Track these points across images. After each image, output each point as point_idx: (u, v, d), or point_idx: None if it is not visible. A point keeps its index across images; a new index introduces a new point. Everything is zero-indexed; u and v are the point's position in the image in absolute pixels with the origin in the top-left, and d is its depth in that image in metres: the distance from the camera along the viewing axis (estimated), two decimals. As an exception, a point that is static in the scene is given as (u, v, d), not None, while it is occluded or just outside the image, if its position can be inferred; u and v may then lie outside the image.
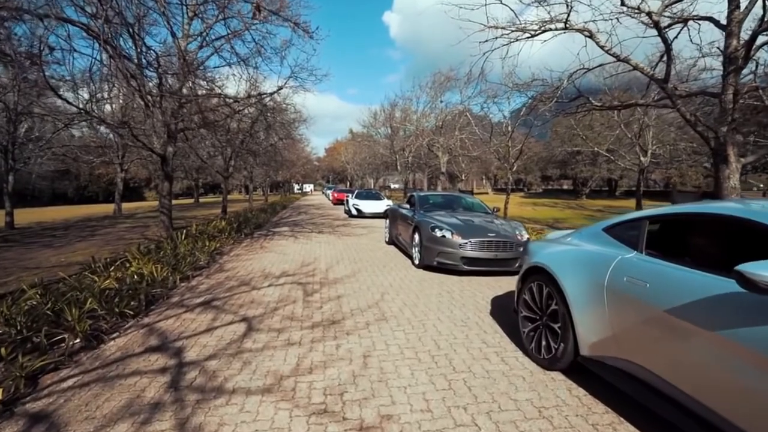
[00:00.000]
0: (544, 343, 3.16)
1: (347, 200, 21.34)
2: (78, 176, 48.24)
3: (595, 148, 26.01)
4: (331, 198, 36.52)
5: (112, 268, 6.54)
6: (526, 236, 6.84)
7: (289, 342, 3.80)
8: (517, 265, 6.57)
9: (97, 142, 23.83)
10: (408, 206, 8.73)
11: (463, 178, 51.95)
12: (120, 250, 9.45)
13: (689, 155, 29.07)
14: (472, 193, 49.84)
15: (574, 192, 53.16)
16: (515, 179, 69.71)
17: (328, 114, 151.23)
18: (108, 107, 21.55)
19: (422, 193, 9.35)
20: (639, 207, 23.85)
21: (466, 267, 6.37)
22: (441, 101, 27.52)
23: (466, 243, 6.36)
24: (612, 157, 25.95)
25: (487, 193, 58.87)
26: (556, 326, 3.01)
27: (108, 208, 27.38)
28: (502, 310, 4.81)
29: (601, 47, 9.52)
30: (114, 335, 4.20)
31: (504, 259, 6.44)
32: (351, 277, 6.56)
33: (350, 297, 5.34)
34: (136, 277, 6.25)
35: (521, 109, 18.86)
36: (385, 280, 6.33)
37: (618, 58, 9.32)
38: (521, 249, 6.58)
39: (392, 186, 70.88)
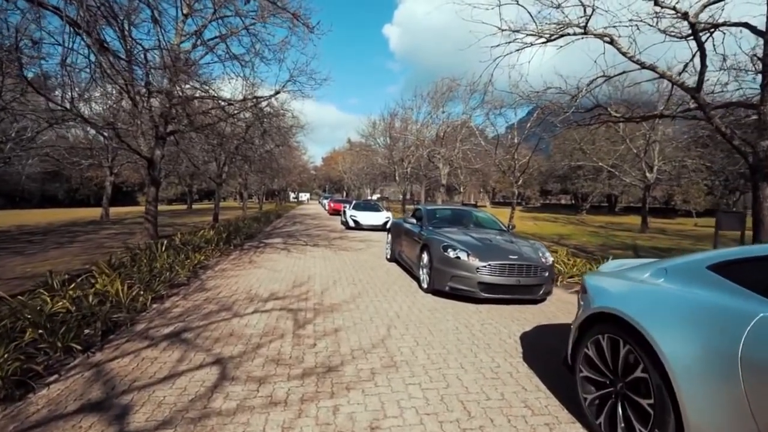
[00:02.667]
0: (621, 421, 2.29)
1: (344, 211, 20.46)
2: (69, 179, 47.23)
3: (600, 163, 25.39)
4: (327, 208, 35.62)
5: (73, 285, 5.62)
6: (550, 259, 5.99)
7: (272, 400, 2.91)
8: (541, 293, 5.74)
9: (86, 144, 22.88)
10: (414, 221, 7.85)
11: (462, 190, 51.37)
12: (95, 260, 8.48)
13: (692, 172, 28.59)
14: (475, 205, 49.11)
15: (573, 207, 52.64)
16: (512, 193, 69.28)
17: (327, 123, 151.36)
18: (97, 108, 20.70)
19: (430, 207, 8.50)
20: (645, 224, 23.15)
21: (483, 294, 5.50)
22: (443, 111, 26.91)
23: (485, 266, 5.50)
24: (617, 173, 25.31)
25: (485, 206, 58.21)
26: (644, 402, 2.15)
27: (97, 212, 26.31)
28: (537, 353, 3.94)
29: (624, 54, 8.83)
30: (51, 379, 3.30)
31: (527, 285, 5.59)
32: (350, 302, 5.67)
33: (350, 331, 4.45)
34: (100, 297, 5.38)
35: (528, 120, 18.22)
36: (390, 308, 5.44)
37: (643, 66, 8.63)
38: (546, 274, 5.74)
39: (386, 196, 70.15)
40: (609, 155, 27.55)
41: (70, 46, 6.45)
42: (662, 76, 8.44)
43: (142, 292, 5.80)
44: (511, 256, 5.65)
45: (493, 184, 58.96)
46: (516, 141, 16.86)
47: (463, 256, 5.68)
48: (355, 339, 4.18)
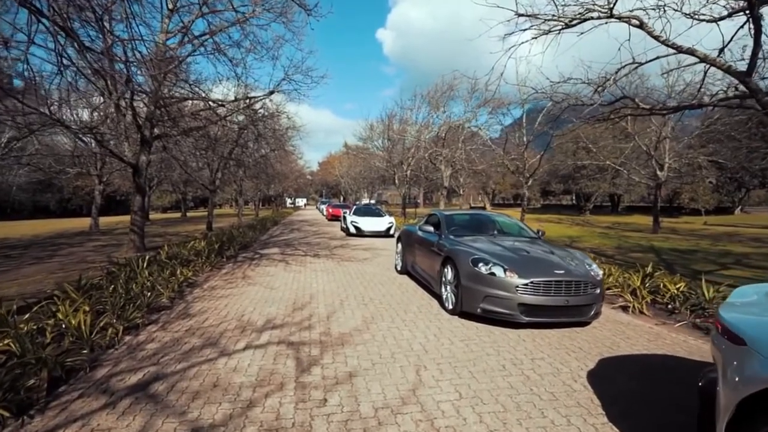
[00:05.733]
0: None
1: (344, 217, 19.48)
2: (61, 189, 46.23)
3: (607, 162, 24.51)
4: (325, 214, 34.63)
5: (27, 315, 4.65)
6: (600, 273, 5.04)
7: None
8: (592, 313, 4.78)
9: (72, 152, 21.83)
10: (430, 228, 6.83)
11: (462, 192, 50.52)
12: (73, 277, 7.45)
13: (700, 169, 27.76)
14: (483, 208, 48.19)
15: (575, 207, 51.83)
16: (513, 194, 68.40)
17: (323, 128, 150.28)
18: (84, 115, 19.70)
19: (447, 212, 7.50)
20: (657, 224, 22.28)
21: (525, 318, 4.53)
22: (443, 111, 26.00)
23: (526, 284, 4.53)
24: (625, 171, 24.43)
25: (484, 208, 57.36)
26: None
27: (88, 223, 25.24)
28: (625, 408, 2.97)
29: (656, 38, 7.93)
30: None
31: (577, 306, 4.63)
32: (363, 330, 4.69)
33: (369, 375, 3.47)
34: (59, 330, 4.43)
35: (535, 118, 17.35)
36: (413, 337, 4.46)
37: (679, 50, 7.71)
38: (597, 291, 4.78)
39: (385, 200, 69.28)
40: (613, 154, 26.68)
41: (31, 35, 5.46)
42: (703, 60, 7.52)
43: (114, 320, 4.85)
44: (556, 271, 4.69)
45: (493, 185, 58.22)
46: (525, 140, 15.93)
47: (498, 271, 4.71)
48: (377, 390, 3.20)
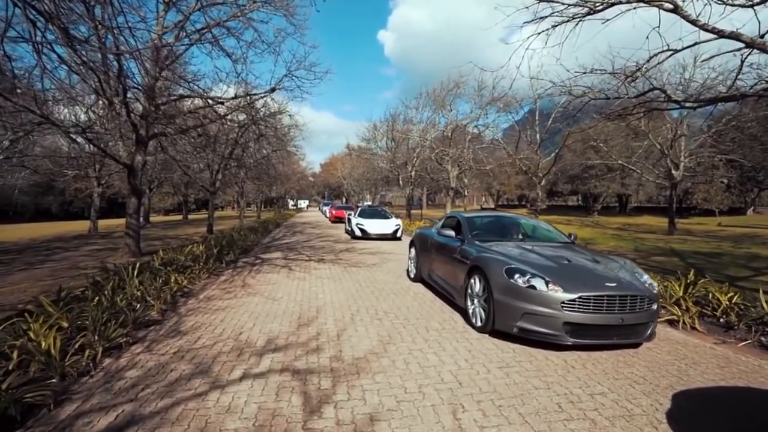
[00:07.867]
0: None
1: (349, 219, 18.82)
2: (63, 191, 45.93)
3: (619, 161, 23.73)
4: (328, 215, 34.00)
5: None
6: (655, 286, 4.34)
7: None
8: (648, 333, 4.08)
9: (70, 153, 21.26)
10: (450, 232, 6.05)
11: (466, 194, 49.76)
12: (61, 284, 6.76)
13: (710, 168, 26.94)
14: (494, 209, 47.40)
15: (582, 208, 50.98)
16: (518, 195, 67.50)
17: (324, 130, 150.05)
18: (80, 114, 19.12)
19: (468, 215, 6.79)
20: (672, 225, 21.52)
21: (571, 340, 3.84)
22: (450, 110, 25.28)
23: (574, 300, 3.84)
24: (638, 171, 23.65)
25: (495, 209, 56.55)
26: None
27: (88, 226, 24.69)
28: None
29: (693, 22, 7.23)
30: None
31: (632, 325, 3.93)
32: (380, 354, 4.00)
33: (395, 420, 2.78)
34: (27, 353, 3.80)
35: (549, 116, 16.63)
36: (441, 363, 3.76)
37: (721, 35, 7.01)
38: (654, 307, 4.08)
39: (388, 201, 68.64)
40: (624, 153, 25.89)
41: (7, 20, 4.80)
42: (750, 45, 6.80)
43: (94, 339, 4.20)
44: (607, 284, 3.99)
45: (497, 186, 57.45)
46: (539, 138, 15.21)
47: (539, 284, 4.02)
48: (407, 442, 2.52)
